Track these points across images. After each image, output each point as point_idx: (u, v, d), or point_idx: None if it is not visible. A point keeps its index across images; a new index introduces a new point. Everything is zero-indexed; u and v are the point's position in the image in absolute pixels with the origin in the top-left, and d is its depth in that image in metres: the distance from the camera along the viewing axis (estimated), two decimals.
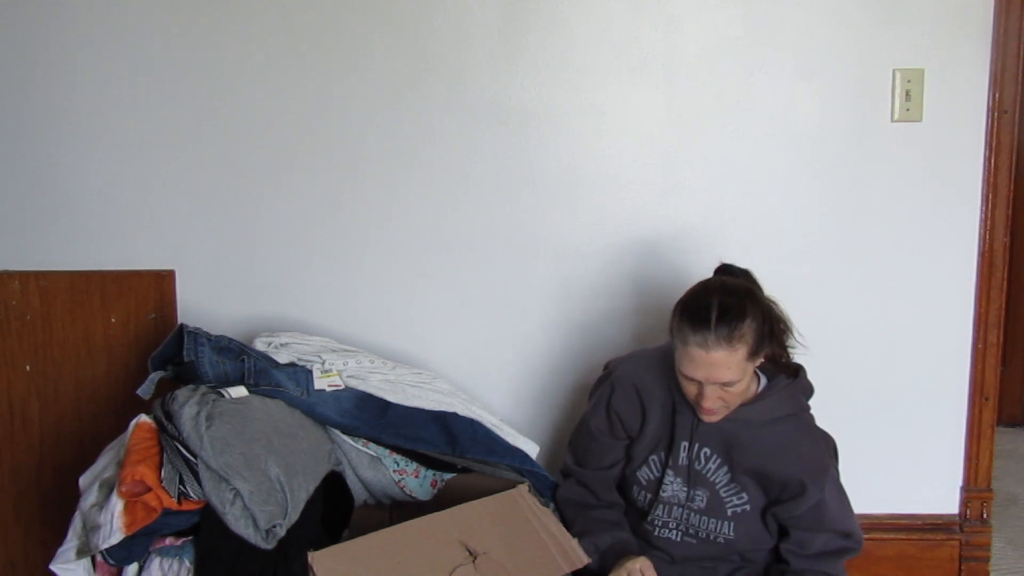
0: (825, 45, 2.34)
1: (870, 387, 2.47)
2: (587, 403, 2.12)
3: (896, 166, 2.38)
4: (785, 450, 1.91)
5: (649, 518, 2.01)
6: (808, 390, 2.01)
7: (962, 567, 2.52)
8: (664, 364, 1.98)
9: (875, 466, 2.48)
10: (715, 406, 1.85)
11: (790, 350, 1.97)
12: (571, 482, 2.11)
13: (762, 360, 1.89)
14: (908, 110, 2.35)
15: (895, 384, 2.47)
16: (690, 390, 1.87)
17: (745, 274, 1.95)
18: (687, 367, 1.83)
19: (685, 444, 1.96)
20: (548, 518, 2.02)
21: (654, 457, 2.00)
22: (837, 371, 2.38)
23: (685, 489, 1.97)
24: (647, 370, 2.01)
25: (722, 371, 1.79)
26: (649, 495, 2.02)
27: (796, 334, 1.96)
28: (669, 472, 1.98)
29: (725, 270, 1.97)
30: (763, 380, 1.97)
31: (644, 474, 2.02)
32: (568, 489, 2.11)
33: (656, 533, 2.01)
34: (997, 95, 2.34)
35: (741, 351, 1.79)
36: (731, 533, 1.96)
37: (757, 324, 1.82)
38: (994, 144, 2.36)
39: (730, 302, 1.80)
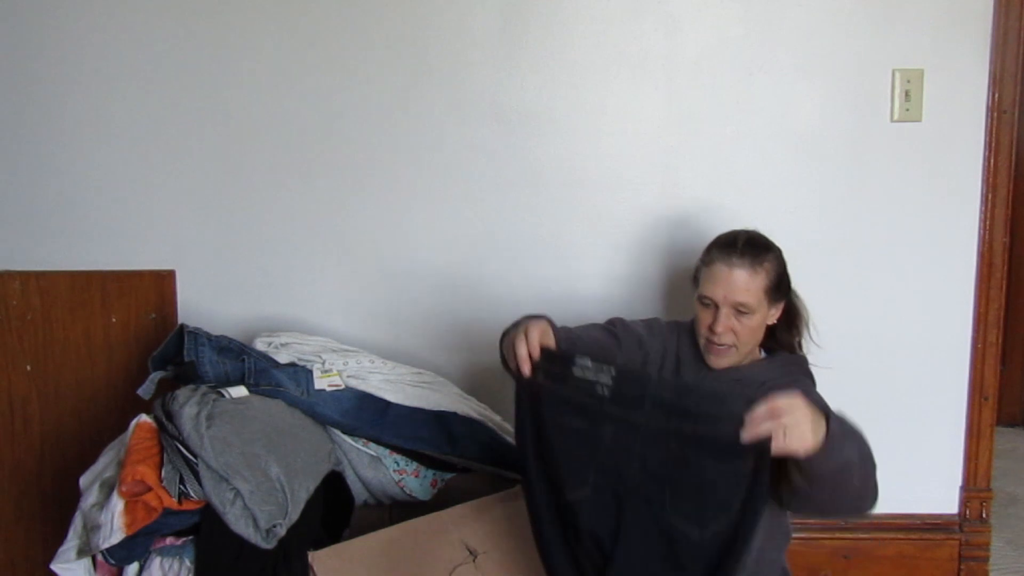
0: (825, 45, 2.34)
1: (870, 386, 2.46)
2: None
3: (896, 166, 2.38)
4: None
5: None
6: (810, 376, 1.99)
7: (962, 567, 2.52)
8: (669, 330, 1.99)
9: None
10: (726, 338, 1.85)
11: (803, 343, 1.99)
12: None
13: (778, 314, 1.91)
14: (908, 110, 2.35)
15: (895, 384, 2.47)
16: (705, 318, 1.87)
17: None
18: (707, 287, 1.86)
19: None
20: None
21: None
22: (836, 370, 2.37)
23: None
24: (650, 329, 2.01)
25: (741, 292, 1.83)
26: None
27: (812, 329, 1.99)
28: None
29: None
30: (763, 355, 1.98)
31: None
32: None
33: None
34: (997, 95, 2.35)
35: (761, 278, 1.84)
36: None
37: (779, 265, 1.89)
38: (993, 144, 2.36)
39: (758, 237, 1.90)
